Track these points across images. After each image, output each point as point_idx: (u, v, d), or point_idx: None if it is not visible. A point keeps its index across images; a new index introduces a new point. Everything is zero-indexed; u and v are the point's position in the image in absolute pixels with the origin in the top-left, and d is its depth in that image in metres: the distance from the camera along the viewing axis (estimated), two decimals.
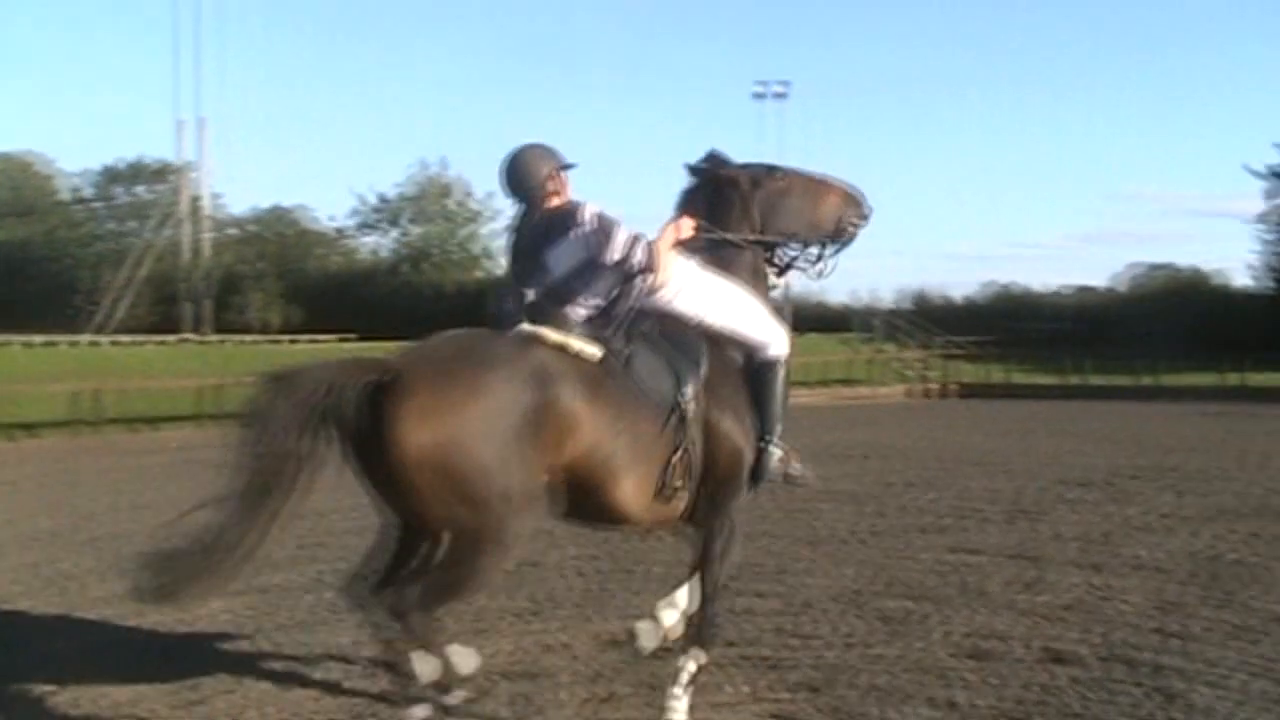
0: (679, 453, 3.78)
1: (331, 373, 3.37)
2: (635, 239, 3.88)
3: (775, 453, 4.10)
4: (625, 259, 3.87)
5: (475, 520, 3.39)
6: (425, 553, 3.70)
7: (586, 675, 4.74)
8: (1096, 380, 29.94)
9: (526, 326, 3.77)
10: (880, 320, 39.26)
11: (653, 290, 3.94)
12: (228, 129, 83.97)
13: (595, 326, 3.84)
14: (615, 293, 3.91)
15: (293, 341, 36.90)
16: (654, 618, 4.52)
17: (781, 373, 4.12)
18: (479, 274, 57.15)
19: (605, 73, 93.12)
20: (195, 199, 44.80)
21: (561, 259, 3.92)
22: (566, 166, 4.06)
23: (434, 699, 3.73)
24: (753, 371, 4.09)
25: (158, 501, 9.76)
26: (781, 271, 4.40)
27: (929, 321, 38.44)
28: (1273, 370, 28.16)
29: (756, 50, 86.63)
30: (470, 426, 3.33)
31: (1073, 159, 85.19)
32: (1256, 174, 45.17)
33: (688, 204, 4.27)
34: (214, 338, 37.50)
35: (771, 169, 4.35)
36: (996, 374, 31.93)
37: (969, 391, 29.58)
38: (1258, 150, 60.91)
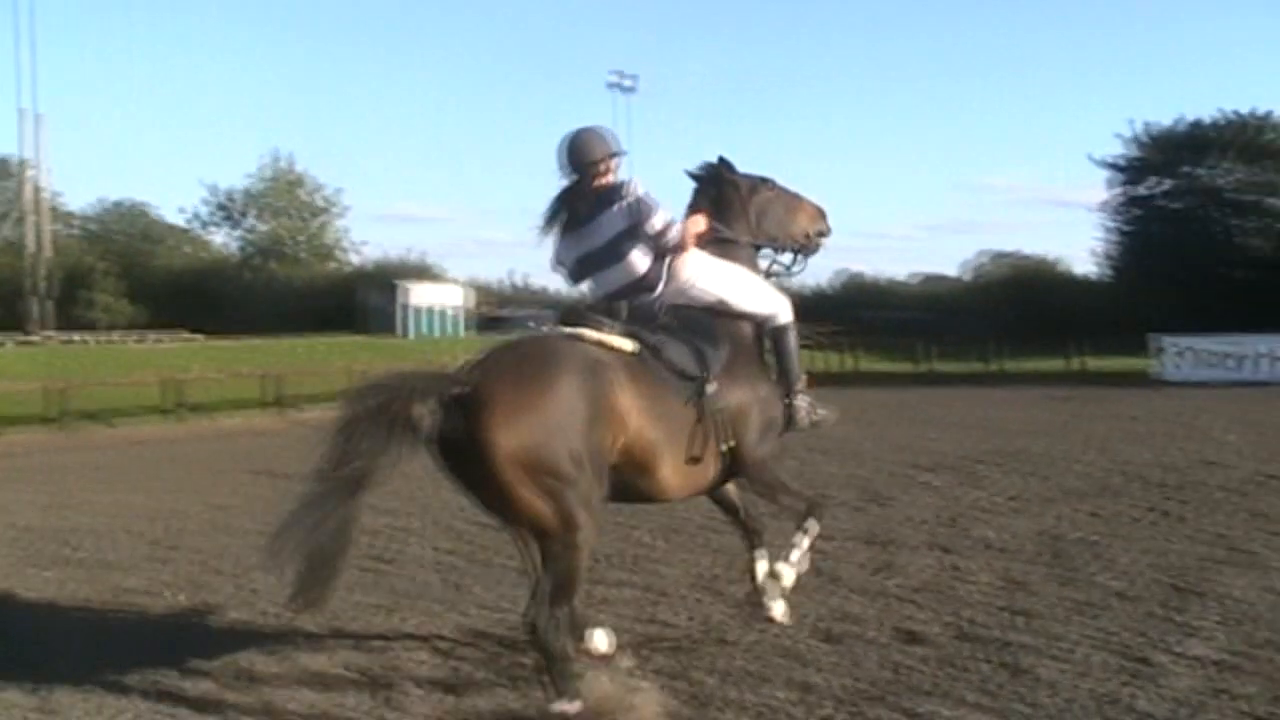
0: (705, 427, 4.78)
1: (415, 382, 4.20)
2: (672, 219, 4.97)
3: (800, 405, 5.32)
4: (662, 232, 4.94)
5: (560, 510, 4.22)
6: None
7: (446, 669, 5.28)
8: (944, 367, 32.44)
9: (566, 329, 4.74)
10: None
11: (674, 278, 5.02)
12: (69, 124, 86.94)
13: (625, 320, 4.85)
14: (662, 264, 4.99)
15: (138, 340, 38.49)
16: (764, 586, 5.49)
17: (793, 335, 5.33)
18: (331, 267, 60.36)
19: (458, 62, 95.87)
20: (37, 191, 46.20)
21: (605, 226, 4.96)
22: (617, 154, 5.07)
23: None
24: (769, 339, 5.31)
25: None
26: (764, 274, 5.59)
27: None
28: (1113, 355, 31.22)
29: (611, 41, 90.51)
30: (549, 425, 4.19)
31: (923, 150, 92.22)
32: (1099, 164, 50.35)
33: (697, 202, 5.41)
34: (52, 336, 39.21)
35: (764, 180, 5.56)
36: (847, 362, 34.53)
37: (819, 380, 31.21)
38: (1101, 141, 67.32)
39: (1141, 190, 49.58)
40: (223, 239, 62.08)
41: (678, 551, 7.88)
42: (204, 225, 61.71)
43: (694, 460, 4.77)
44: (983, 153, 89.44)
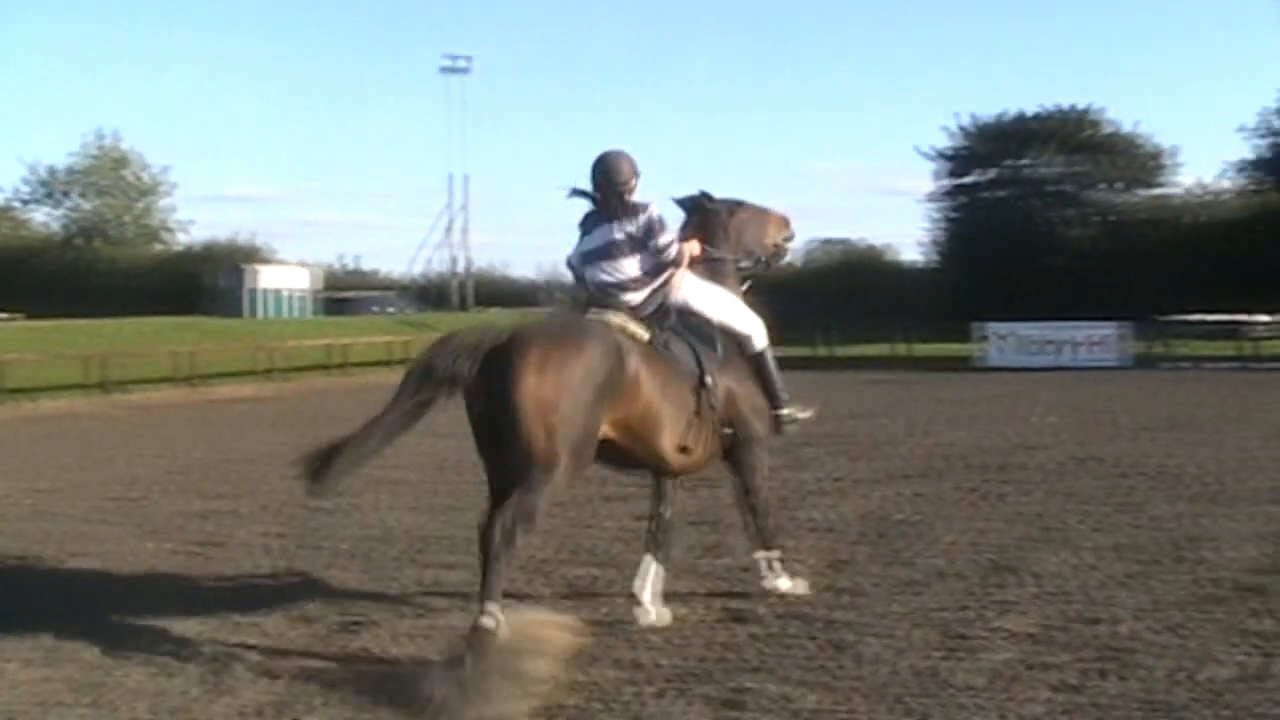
0: (702, 414, 5.70)
1: (473, 336, 5.17)
2: (674, 240, 6.00)
3: (785, 414, 6.33)
4: (666, 249, 5.93)
5: (548, 449, 4.97)
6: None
7: (275, 652, 5.35)
8: (777, 352, 33.47)
9: (596, 312, 5.67)
10: (560, 294, 42.30)
11: (673, 290, 5.98)
12: None
13: (640, 315, 5.78)
14: (653, 276, 5.94)
15: None
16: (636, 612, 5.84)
17: (769, 356, 6.36)
18: (158, 248, 60.87)
19: (292, 46, 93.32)
20: None
21: (616, 233, 5.92)
22: (638, 176, 6.04)
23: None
24: (750, 362, 6.24)
25: None
26: (745, 280, 6.64)
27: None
28: (938, 341, 32.76)
29: (445, 22, 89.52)
30: (568, 379, 5.04)
31: (760, 137, 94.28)
32: (927, 155, 52.65)
33: (687, 229, 6.41)
34: None
35: (739, 203, 6.69)
36: None
37: None
38: (931, 132, 70.67)
39: (966, 180, 52.09)
40: (43, 218, 62.17)
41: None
42: (24, 204, 61.75)
43: (690, 437, 5.66)
44: (817, 140, 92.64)
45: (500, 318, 39.19)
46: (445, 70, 48.45)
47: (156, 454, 14.07)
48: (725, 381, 5.92)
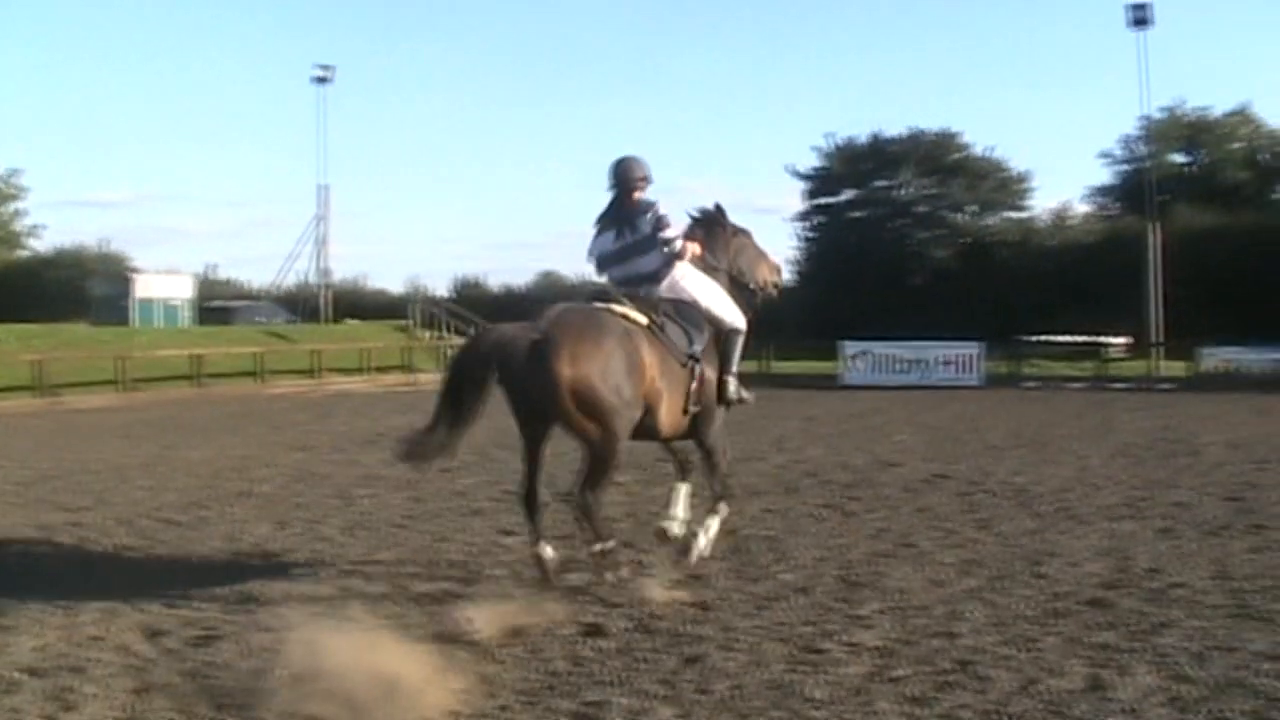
0: (694, 386, 6.97)
1: (508, 331, 6.33)
2: (679, 234, 7.17)
3: (731, 383, 7.38)
4: (670, 241, 7.11)
5: (599, 428, 6.31)
6: (540, 470, 6.63)
7: (125, 667, 5.34)
8: None
9: (601, 303, 6.76)
10: (420, 307, 43.71)
11: (671, 277, 7.13)
12: None
13: (639, 301, 6.90)
14: (666, 269, 7.13)
15: None
16: (667, 525, 7.29)
17: (740, 338, 7.46)
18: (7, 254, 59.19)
19: (162, 54, 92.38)
20: None
21: (634, 229, 7.15)
22: (648, 177, 7.27)
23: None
24: (724, 336, 7.38)
25: None
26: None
27: (473, 309, 42.73)
28: (802, 358, 33.44)
29: (318, 33, 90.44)
30: (595, 367, 6.22)
31: (620, 150, 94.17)
32: (797, 175, 53.83)
33: (694, 232, 7.54)
34: None
35: (744, 230, 8.00)
36: None
37: None
38: (799, 153, 72.38)
39: (830, 200, 53.58)
40: None
41: (359, 546, 8.15)
42: None
43: (682, 410, 6.95)
44: (686, 157, 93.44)
45: (360, 329, 39.37)
46: (316, 80, 47.75)
47: (2, 464, 13.64)
48: (705, 362, 7.14)
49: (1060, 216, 52.30)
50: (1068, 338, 33.87)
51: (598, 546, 6.57)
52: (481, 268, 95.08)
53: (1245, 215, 44.32)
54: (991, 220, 51.76)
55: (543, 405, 6.29)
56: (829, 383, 30.61)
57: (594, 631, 5.90)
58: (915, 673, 5.24)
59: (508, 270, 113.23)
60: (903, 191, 52.00)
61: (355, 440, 16.06)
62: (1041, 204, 54.22)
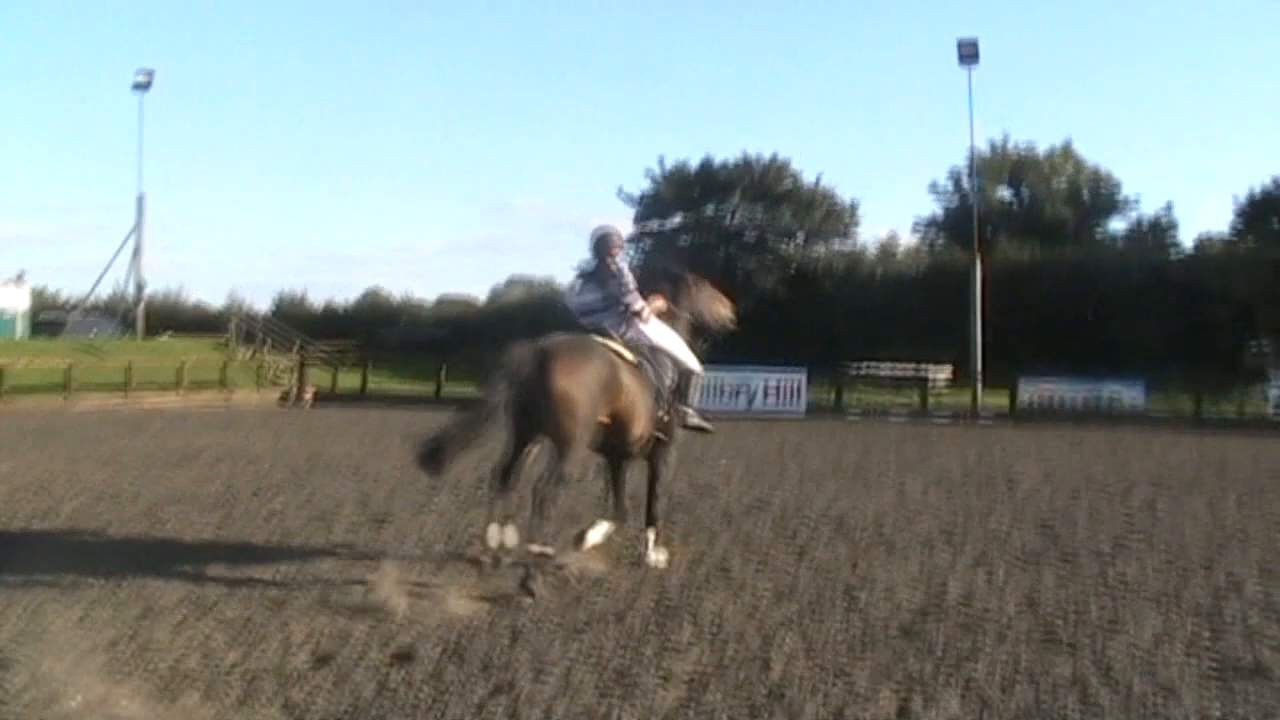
0: (662, 415, 8.82)
1: (520, 351, 7.81)
2: (637, 300, 8.83)
3: (690, 412, 9.29)
4: (631, 305, 8.81)
5: (575, 431, 7.79)
6: (521, 462, 8.09)
7: None
8: (455, 389, 33.65)
9: (598, 337, 8.47)
10: (239, 323, 43.18)
11: (640, 330, 8.83)
12: None
13: (626, 342, 8.62)
14: (622, 324, 8.78)
15: None
16: (586, 534, 8.79)
17: (696, 377, 9.33)
18: None
19: None
20: None
21: (606, 289, 8.88)
22: (622, 247, 9.30)
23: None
24: (682, 377, 9.14)
25: None
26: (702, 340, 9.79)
27: (293, 326, 43.23)
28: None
29: (140, 40, 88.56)
30: (583, 381, 7.85)
31: (462, 167, 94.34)
32: (628, 199, 54.54)
33: (662, 287, 9.38)
34: None
35: (700, 279, 9.88)
36: (358, 381, 36.02)
37: (330, 398, 33.90)
38: (632, 176, 73.29)
39: (660, 225, 54.35)
40: None
41: (164, 571, 7.98)
42: None
43: (648, 432, 8.71)
44: (517, 176, 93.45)
45: (176, 344, 38.26)
46: (136, 86, 46.03)
47: None
48: (675, 397, 9.01)
49: (887, 247, 54.22)
50: (891, 367, 35.08)
51: (536, 548, 7.69)
52: (306, 281, 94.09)
53: (1066, 250, 46.83)
54: (819, 249, 53.29)
55: (536, 405, 7.74)
56: None
57: (404, 657, 5.92)
58: (727, 701, 5.39)
59: (333, 286, 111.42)
60: (732, 218, 53.12)
61: (165, 459, 15.71)
62: (869, 234, 56.13)
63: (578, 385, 7.79)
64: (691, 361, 9.26)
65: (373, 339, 45.92)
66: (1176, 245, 51.08)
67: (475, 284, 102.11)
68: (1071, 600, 7.66)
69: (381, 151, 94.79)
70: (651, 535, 8.91)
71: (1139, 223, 52.98)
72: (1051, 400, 30.88)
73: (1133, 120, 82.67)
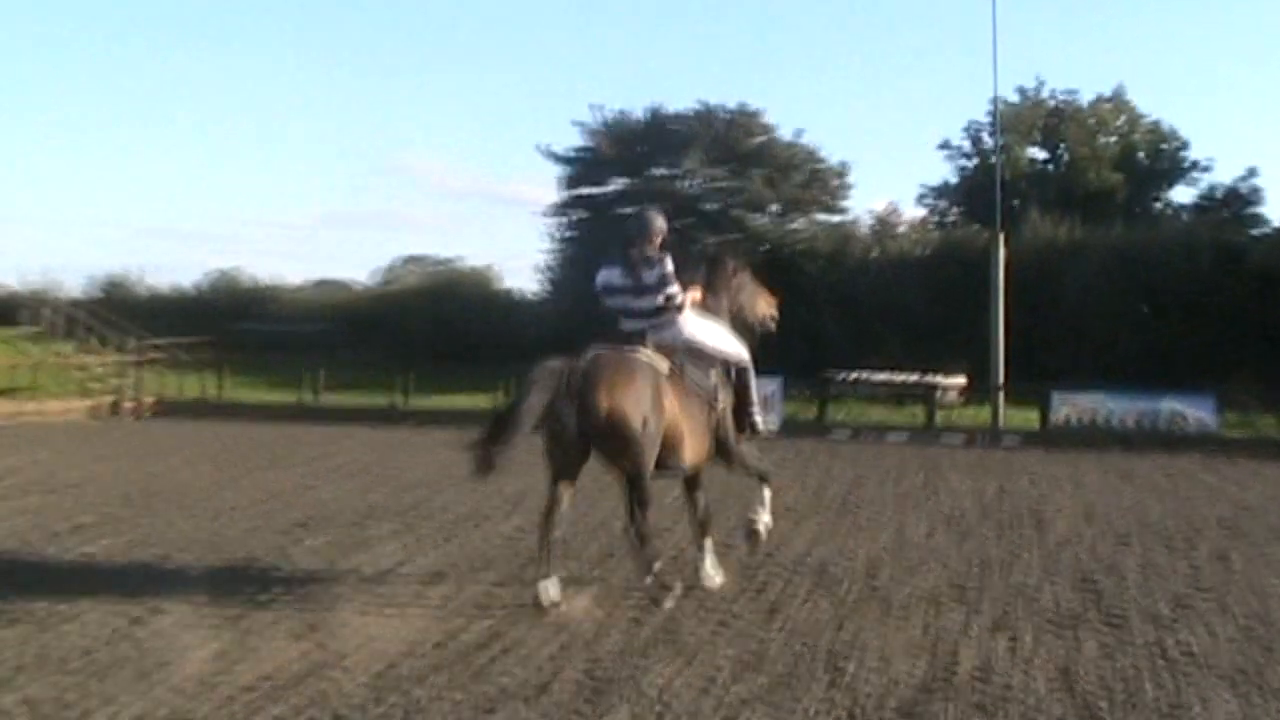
0: (710, 424, 10.10)
1: (560, 365, 9.31)
2: (679, 291, 10.12)
3: (758, 417, 10.80)
4: (673, 296, 10.09)
5: (630, 453, 9.19)
6: (569, 501, 9.64)
7: None
8: (339, 399, 33.47)
9: (629, 347, 9.74)
10: (55, 313, 43.18)
11: (681, 327, 10.15)
12: None
13: (659, 347, 9.93)
14: (659, 313, 10.12)
15: None
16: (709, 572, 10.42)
17: (751, 371, 10.63)
18: None
19: None
20: None
21: (641, 275, 10.15)
22: (664, 233, 10.46)
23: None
24: (735, 375, 10.55)
25: None
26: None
27: (123, 316, 42.94)
28: None
29: None
30: (628, 399, 9.16)
31: (340, 118, 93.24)
32: (553, 158, 54.21)
33: (698, 274, 10.80)
34: None
35: (741, 268, 11.26)
36: (211, 387, 35.55)
37: (173, 409, 33.31)
38: (558, 130, 72.67)
39: (596, 191, 54.20)
40: None
41: None
42: None
43: (703, 444, 10.06)
44: (412, 131, 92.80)
45: None
46: None
47: None
48: (723, 400, 10.31)
49: (885, 222, 54.21)
50: (890, 376, 35.25)
51: (649, 578, 9.50)
52: (139, 261, 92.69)
53: (1115, 228, 47.00)
54: (799, 224, 53.36)
55: (581, 432, 9.17)
56: None
57: None
58: None
59: (175, 267, 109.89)
60: (688, 183, 53.05)
61: None
62: (862, 206, 56.16)
63: (629, 403, 9.16)
64: (739, 353, 10.63)
65: (227, 333, 45.53)
66: (1259, 223, 51.49)
67: (359, 265, 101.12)
68: (1119, 676, 7.77)
69: (234, 99, 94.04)
70: (708, 544, 10.48)
71: (1211, 194, 53.47)
72: (1094, 419, 31.08)
73: (1203, 63, 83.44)
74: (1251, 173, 52.84)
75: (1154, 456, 25.40)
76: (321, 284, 62.75)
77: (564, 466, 9.47)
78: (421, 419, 30.51)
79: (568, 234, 54.08)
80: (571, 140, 54.47)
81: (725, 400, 10.34)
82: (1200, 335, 39.39)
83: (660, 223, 10.52)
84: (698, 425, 9.92)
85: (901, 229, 53.59)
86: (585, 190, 54.15)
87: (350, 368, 37.16)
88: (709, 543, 10.46)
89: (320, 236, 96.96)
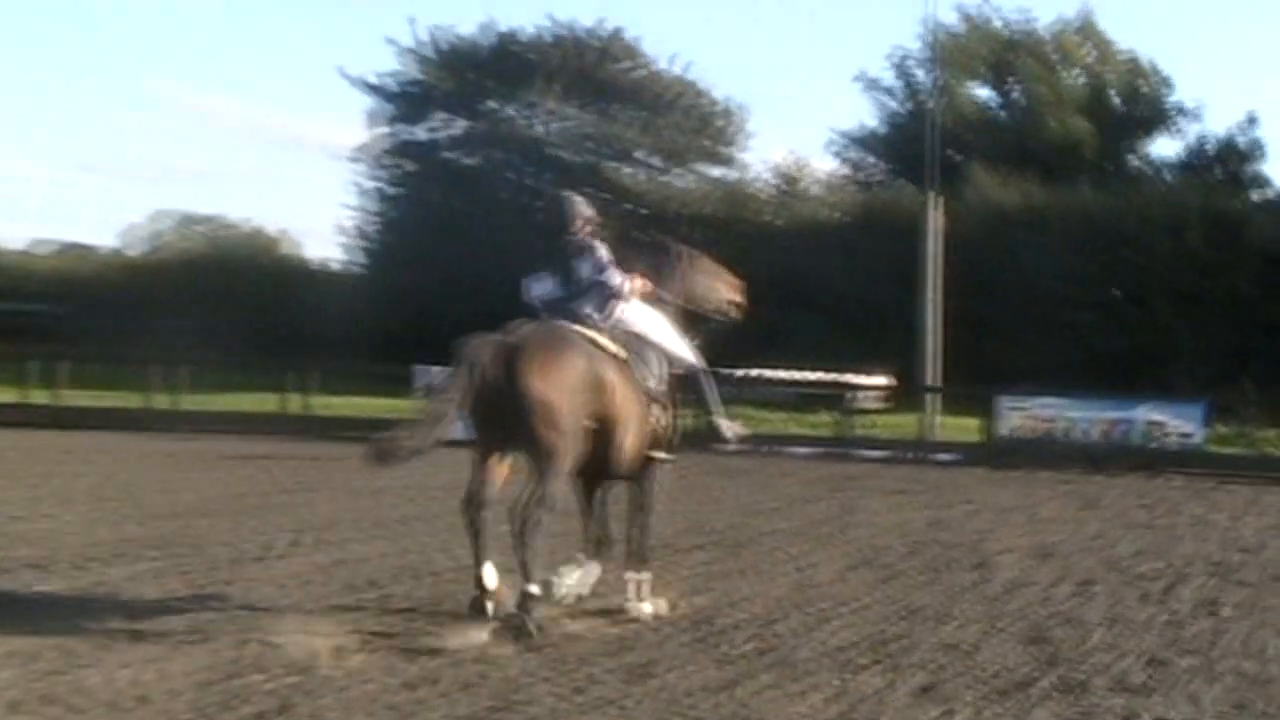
0: (651, 420, 11.28)
1: (484, 346, 10.30)
2: (616, 276, 11.21)
3: (722, 423, 12.17)
4: (611, 284, 11.20)
5: (557, 441, 10.24)
6: (491, 486, 10.62)
7: None
8: (87, 400, 32.87)
9: (577, 326, 10.88)
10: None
11: (621, 316, 11.23)
12: None
13: (610, 333, 11.06)
14: (603, 312, 11.16)
15: None
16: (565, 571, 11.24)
17: (706, 375, 11.87)
18: None
19: None
20: None
21: (574, 272, 11.30)
22: (593, 219, 11.57)
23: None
24: (689, 379, 11.85)
25: None
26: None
27: None
28: (361, 391, 33.54)
29: None
30: (562, 381, 10.27)
31: (63, 31, 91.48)
32: (364, 88, 53.63)
33: (639, 262, 11.73)
34: None
35: (694, 253, 12.56)
36: None
37: None
38: (367, 52, 71.80)
39: (418, 133, 53.86)
40: None
41: None
42: None
43: (640, 446, 11.03)
44: (175, 58, 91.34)
45: None
46: None
47: None
48: (666, 402, 11.43)
49: (790, 179, 54.64)
50: (795, 374, 35.45)
51: (532, 587, 10.12)
52: None
53: (1082, 189, 47.50)
54: (681, 179, 53.50)
55: (509, 414, 10.09)
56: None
57: None
58: None
59: None
60: (540, 125, 52.89)
61: None
62: (761, 158, 56.41)
63: (556, 386, 10.13)
64: (689, 355, 11.77)
65: None
66: (1261, 185, 52.39)
67: (97, 225, 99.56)
68: None
69: None
70: (639, 581, 11.29)
71: (1201, 148, 54.46)
72: (1051, 431, 31.50)
73: None
74: (1251, 121, 53.84)
75: (1126, 479, 25.89)
76: (69, 250, 61.82)
77: (489, 450, 10.54)
78: (193, 425, 30.17)
79: (390, 189, 53.64)
80: (388, 66, 54.07)
81: (665, 414, 11.42)
82: (1188, 326, 40.04)
83: (583, 208, 11.55)
84: (636, 422, 10.93)
85: (811, 188, 54.00)
86: (403, 132, 53.74)
87: (99, 360, 36.57)
88: (640, 575, 11.29)
89: (54, 188, 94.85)
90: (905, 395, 35.27)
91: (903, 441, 32.35)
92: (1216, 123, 53.24)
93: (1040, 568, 14.60)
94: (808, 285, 43.70)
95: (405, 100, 53.78)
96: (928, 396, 33.92)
